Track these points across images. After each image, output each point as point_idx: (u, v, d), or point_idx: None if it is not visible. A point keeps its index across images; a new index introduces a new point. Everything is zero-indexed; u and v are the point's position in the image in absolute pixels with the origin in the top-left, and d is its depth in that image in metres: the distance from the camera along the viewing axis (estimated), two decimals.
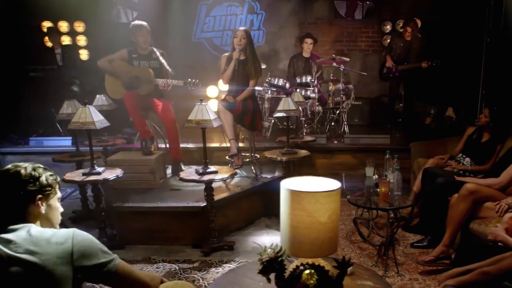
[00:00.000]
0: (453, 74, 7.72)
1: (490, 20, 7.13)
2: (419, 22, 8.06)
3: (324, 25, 8.59)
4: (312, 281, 1.65)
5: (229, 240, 4.33)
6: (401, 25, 8.14)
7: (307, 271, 1.69)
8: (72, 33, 8.41)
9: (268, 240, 4.42)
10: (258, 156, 5.44)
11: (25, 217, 1.80)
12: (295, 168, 5.19)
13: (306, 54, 7.38)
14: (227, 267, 3.82)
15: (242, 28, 5.17)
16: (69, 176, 4.16)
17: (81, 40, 8.39)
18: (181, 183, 4.73)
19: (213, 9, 8.64)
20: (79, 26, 8.39)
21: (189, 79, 5.25)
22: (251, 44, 5.16)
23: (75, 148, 5.39)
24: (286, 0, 8.48)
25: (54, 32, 7.72)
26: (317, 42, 7.51)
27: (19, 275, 1.61)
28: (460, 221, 3.62)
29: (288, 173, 4.94)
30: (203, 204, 4.18)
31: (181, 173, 4.18)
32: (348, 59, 7.06)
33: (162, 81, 5.15)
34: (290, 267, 1.76)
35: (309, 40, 7.29)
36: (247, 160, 5.35)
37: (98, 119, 4.02)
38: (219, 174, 4.04)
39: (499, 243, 2.79)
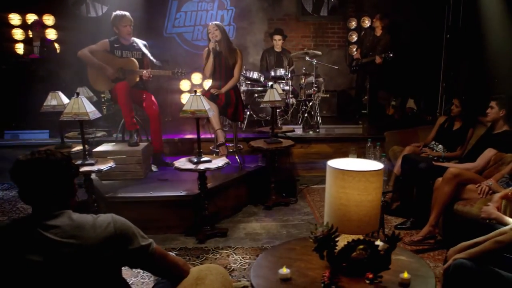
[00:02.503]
0: (415, 68, 7.94)
1: (449, 18, 7.37)
2: None
3: (292, 21, 8.61)
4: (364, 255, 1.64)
5: (221, 227, 4.29)
6: (366, 21, 8.30)
7: (361, 246, 1.69)
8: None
9: (258, 226, 4.40)
10: (241, 146, 5.42)
11: (66, 202, 1.73)
12: (274, 157, 5.15)
13: (277, 48, 7.38)
14: (224, 253, 3.78)
15: (212, 22, 5.14)
16: None
17: (51, 34, 8.05)
18: (169, 173, 4.72)
19: (184, 5, 8.48)
20: (49, 20, 8.05)
21: (176, 69, 5.18)
22: (225, 35, 5.11)
23: (52, 141, 5.21)
24: None
25: (37, 25, 7.44)
26: (286, 37, 7.54)
27: (66, 259, 1.57)
28: (445, 203, 3.72)
29: (272, 162, 4.95)
30: (196, 192, 4.12)
31: (174, 162, 4.08)
32: (320, 53, 7.11)
33: (146, 72, 5.03)
34: (341, 244, 1.75)
35: (277, 37, 7.30)
36: (231, 150, 5.30)
37: (91, 110, 3.87)
38: (213, 163, 3.98)
39: (493, 221, 2.90)
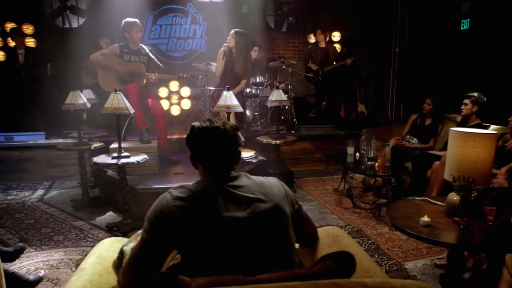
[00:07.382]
0: (366, 78, 8.45)
1: (397, 34, 7.93)
2: (338, 34, 8.64)
3: (257, 35, 8.78)
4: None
5: None
6: (312, 37, 8.67)
7: (493, 193, 1.88)
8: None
9: None
10: (243, 144, 5.47)
11: (235, 166, 1.72)
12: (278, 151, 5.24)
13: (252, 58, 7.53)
14: None
15: (233, 30, 5.24)
16: (99, 160, 3.85)
17: (30, 42, 7.61)
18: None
19: (159, 19, 8.34)
20: (28, 29, 7.61)
21: (181, 74, 5.19)
22: (240, 45, 5.19)
23: (50, 142, 5.11)
24: (225, 13, 8.52)
25: (17, 33, 7.02)
26: (261, 47, 7.72)
27: (264, 214, 1.53)
28: (443, 182, 4.04)
29: (277, 155, 5.06)
30: None
31: None
32: (295, 62, 7.34)
33: (153, 75, 4.98)
34: (473, 193, 1.91)
35: (256, 48, 7.46)
36: None
37: (129, 105, 3.80)
38: (243, 154, 4.03)
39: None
